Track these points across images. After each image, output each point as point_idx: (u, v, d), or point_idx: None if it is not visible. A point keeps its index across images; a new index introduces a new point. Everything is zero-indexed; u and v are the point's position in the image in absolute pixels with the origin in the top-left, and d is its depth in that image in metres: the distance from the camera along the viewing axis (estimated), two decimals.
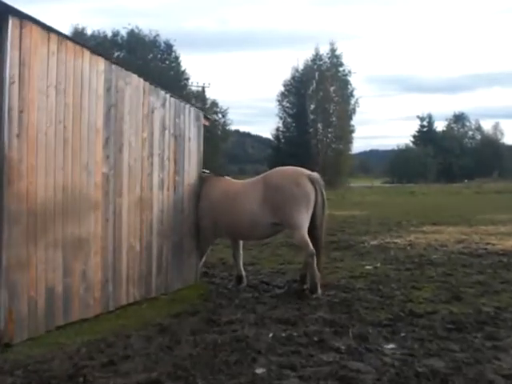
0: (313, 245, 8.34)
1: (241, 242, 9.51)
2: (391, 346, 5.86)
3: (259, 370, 5.18)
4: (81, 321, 6.87)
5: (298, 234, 8.39)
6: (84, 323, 6.85)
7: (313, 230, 8.46)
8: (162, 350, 5.75)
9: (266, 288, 9.01)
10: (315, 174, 8.61)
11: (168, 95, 8.55)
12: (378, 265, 10.63)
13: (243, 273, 9.40)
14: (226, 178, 9.62)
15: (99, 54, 7.24)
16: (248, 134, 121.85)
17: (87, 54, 6.96)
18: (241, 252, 9.51)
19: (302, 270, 8.85)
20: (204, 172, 9.67)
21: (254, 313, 7.29)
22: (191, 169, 9.19)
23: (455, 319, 6.73)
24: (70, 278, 6.69)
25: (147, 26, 50.32)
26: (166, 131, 8.50)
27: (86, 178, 6.94)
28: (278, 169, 9.02)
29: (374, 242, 13.78)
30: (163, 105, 8.42)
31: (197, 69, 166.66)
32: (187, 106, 9.09)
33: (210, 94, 70.57)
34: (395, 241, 14.00)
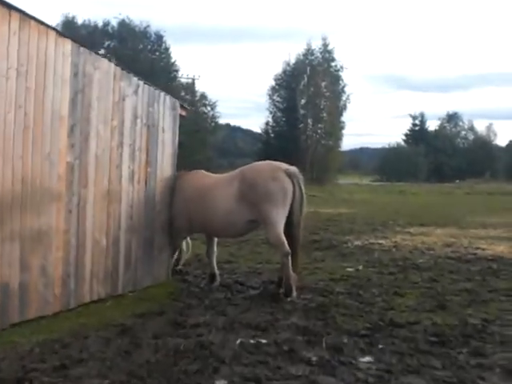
0: (289, 244, 7.90)
1: (215, 239, 9.05)
2: (367, 359, 5.42)
3: (220, 382, 4.74)
4: (39, 318, 6.44)
5: (272, 232, 7.92)
6: (42, 321, 6.45)
7: (289, 227, 7.99)
8: (119, 355, 5.36)
9: (239, 288, 8.54)
10: (293, 168, 8.13)
11: (141, 82, 8.06)
12: (360, 267, 10.18)
13: (216, 271, 8.96)
14: (202, 172, 9.14)
15: (66, 36, 6.73)
16: (239, 128, 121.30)
17: (52, 34, 6.48)
18: (215, 249, 9.09)
19: (280, 271, 8.40)
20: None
21: (224, 315, 6.86)
22: (165, 161, 8.69)
23: (439, 331, 6.26)
24: (27, 274, 6.24)
25: (140, 16, 50.15)
26: (138, 120, 8.00)
27: (48, 167, 6.47)
28: (253, 164, 8.55)
29: (358, 243, 13.34)
30: (135, 92, 7.92)
31: (189, 61, 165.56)
32: (162, 94, 8.58)
33: (200, 87, 70.18)
34: (380, 242, 13.56)
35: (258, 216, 7.94)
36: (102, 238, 7.42)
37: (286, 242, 7.84)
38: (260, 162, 8.54)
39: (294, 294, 7.80)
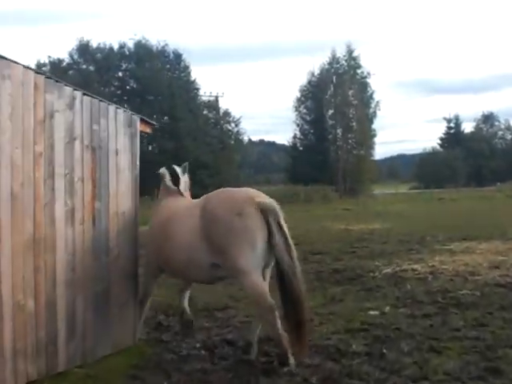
0: (286, 301, 5.86)
1: None
2: None
3: None
4: None
5: (246, 282, 5.87)
6: None
7: (282, 281, 5.90)
8: None
9: (225, 352, 6.56)
10: (269, 201, 5.99)
11: (79, 93, 6.17)
12: (387, 309, 8.06)
13: (190, 316, 7.36)
14: (180, 192, 7.27)
15: None
16: (273, 144, 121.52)
17: None
18: (188, 290, 7.46)
19: (250, 333, 6.50)
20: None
21: None
22: (121, 191, 6.77)
23: None
24: None
25: (171, 42, 48.98)
26: (77, 142, 6.11)
27: None
28: (220, 191, 6.53)
29: (388, 270, 11.15)
30: (70, 106, 6.03)
31: (216, 80, 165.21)
32: (112, 107, 6.66)
33: (229, 105, 68.71)
34: (414, 267, 11.35)
35: (222, 261, 5.96)
36: (28, 300, 5.52)
37: (267, 294, 5.83)
38: (228, 190, 6.47)
39: (292, 360, 5.79)
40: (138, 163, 7.05)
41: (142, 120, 7.25)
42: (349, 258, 13.24)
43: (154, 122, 7.87)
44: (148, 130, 7.42)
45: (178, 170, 7.50)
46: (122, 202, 6.77)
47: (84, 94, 6.24)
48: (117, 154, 6.68)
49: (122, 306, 6.75)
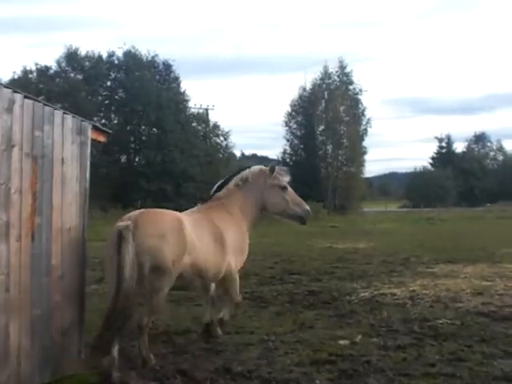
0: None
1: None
2: None
3: None
4: None
5: None
6: None
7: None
8: None
9: None
10: (124, 225, 6.09)
11: (20, 95, 5.59)
12: (359, 338, 7.44)
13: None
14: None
15: None
16: (266, 158, 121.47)
17: None
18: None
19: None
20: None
21: None
22: (67, 205, 6.17)
23: None
24: None
25: (163, 53, 48.36)
26: (15, 149, 5.51)
27: None
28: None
29: (365, 294, 10.54)
30: (8, 110, 5.45)
31: (213, 93, 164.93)
32: (58, 112, 6.09)
33: (220, 118, 68.34)
34: (394, 291, 10.74)
35: None
36: None
37: None
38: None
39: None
40: (87, 174, 6.46)
41: (94, 127, 6.65)
42: (327, 278, 12.66)
43: (109, 130, 7.25)
44: (102, 138, 6.83)
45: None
46: (68, 216, 6.17)
47: (26, 97, 5.66)
48: (63, 163, 6.09)
49: (66, 330, 6.14)
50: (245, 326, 8.25)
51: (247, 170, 7.68)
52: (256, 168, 7.71)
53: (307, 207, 7.70)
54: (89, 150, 6.50)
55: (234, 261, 7.34)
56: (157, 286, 6.29)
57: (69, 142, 6.18)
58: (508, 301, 9.71)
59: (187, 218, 6.85)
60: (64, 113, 6.16)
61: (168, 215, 6.65)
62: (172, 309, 9.30)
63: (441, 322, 8.27)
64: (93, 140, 6.62)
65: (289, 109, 59.91)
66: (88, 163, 6.46)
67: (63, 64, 46.10)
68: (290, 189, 7.65)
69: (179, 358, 6.90)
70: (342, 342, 7.29)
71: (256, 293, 10.90)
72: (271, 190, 7.56)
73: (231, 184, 7.59)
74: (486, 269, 13.86)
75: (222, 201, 7.48)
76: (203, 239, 6.79)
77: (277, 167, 7.71)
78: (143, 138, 46.35)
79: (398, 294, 10.47)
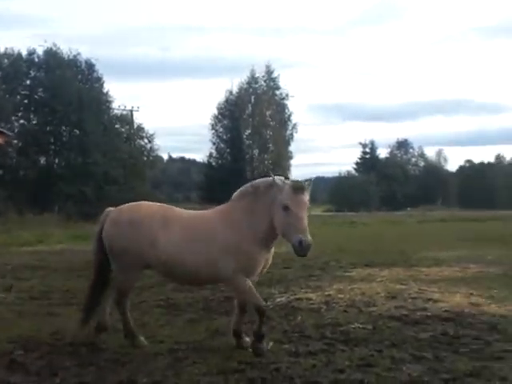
0: None
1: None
2: None
3: None
4: None
5: None
6: None
7: None
8: None
9: None
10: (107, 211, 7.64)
11: None
12: (271, 344, 7.27)
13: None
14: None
15: None
16: (193, 161, 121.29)
17: None
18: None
19: None
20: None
21: None
22: None
23: None
24: None
25: (89, 53, 46.90)
26: None
27: None
28: None
29: (282, 299, 10.50)
30: None
31: (138, 95, 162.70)
32: None
33: (147, 120, 67.58)
34: (310, 296, 10.71)
35: None
36: None
37: None
38: None
39: None
40: None
41: None
42: None
43: (9, 133, 6.89)
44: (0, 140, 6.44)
45: None
46: None
47: None
48: None
49: None
50: (156, 335, 7.98)
51: (262, 179, 7.26)
52: (269, 179, 7.01)
53: (304, 238, 6.53)
54: None
55: (232, 266, 6.99)
56: (115, 268, 7.29)
57: None
58: (420, 304, 9.83)
59: (174, 215, 7.26)
60: None
61: (145, 208, 7.32)
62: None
63: (353, 326, 8.27)
64: None
65: (215, 112, 59.92)
66: None
67: None
68: (295, 210, 6.64)
69: (84, 370, 6.58)
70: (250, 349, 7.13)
71: (171, 300, 10.67)
72: (278, 207, 6.76)
73: (244, 188, 7.29)
74: (402, 272, 14.12)
75: (230, 203, 7.30)
76: (179, 237, 6.98)
77: (281, 180, 6.92)
78: (64, 139, 45.00)
79: (313, 299, 10.45)
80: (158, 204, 7.70)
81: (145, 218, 7.12)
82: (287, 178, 7.15)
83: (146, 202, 7.71)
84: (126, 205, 7.58)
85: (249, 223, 7.00)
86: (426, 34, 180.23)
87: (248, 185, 7.29)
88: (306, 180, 7.03)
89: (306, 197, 6.80)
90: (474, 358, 6.71)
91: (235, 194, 7.31)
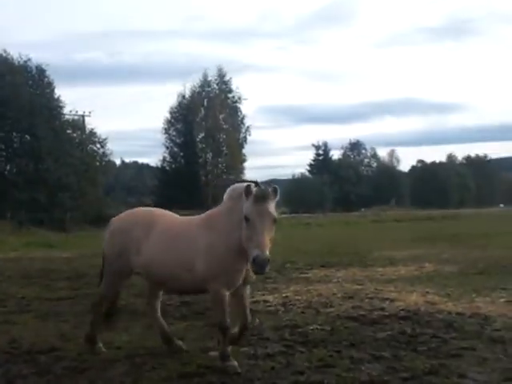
0: None
1: None
2: None
3: None
4: None
5: None
6: None
7: None
8: None
9: None
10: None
11: None
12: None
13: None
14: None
15: None
16: (147, 166, 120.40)
17: None
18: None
19: None
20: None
21: None
22: None
23: None
24: None
25: (36, 58, 45.76)
26: None
27: None
28: None
29: None
30: None
31: (90, 101, 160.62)
32: None
33: (98, 125, 66.83)
34: (267, 298, 10.77)
35: None
36: None
37: None
38: None
39: None
40: None
41: None
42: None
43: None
44: None
45: None
46: None
47: None
48: None
49: None
50: (113, 341, 7.86)
51: (241, 184, 6.57)
52: (241, 185, 6.43)
53: (261, 254, 5.83)
54: None
55: (207, 268, 6.53)
56: (105, 272, 7.32)
57: None
58: (377, 304, 9.97)
59: (163, 221, 7.07)
60: None
61: (136, 215, 7.30)
62: (38, 326, 8.82)
63: (311, 327, 8.32)
64: None
65: (168, 116, 59.56)
66: None
67: None
68: (255, 222, 5.96)
69: (42, 378, 6.45)
70: (212, 353, 7.08)
71: (130, 305, 10.53)
72: (242, 218, 6.14)
73: (228, 191, 6.75)
74: (358, 272, 14.32)
75: (217, 207, 7.00)
76: (161, 243, 6.83)
77: (254, 188, 6.18)
78: (15, 145, 44.02)
79: (271, 301, 10.50)
80: (153, 209, 7.61)
81: (134, 226, 7.04)
82: (256, 182, 6.40)
83: (142, 209, 7.70)
84: (124, 212, 7.70)
85: (227, 228, 6.47)
86: (375, 37, 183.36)
87: (230, 188, 6.77)
88: (272, 186, 6.29)
89: (270, 207, 6.08)
90: (432, 356, 6.82)
91: (224, 196, 6.84)
